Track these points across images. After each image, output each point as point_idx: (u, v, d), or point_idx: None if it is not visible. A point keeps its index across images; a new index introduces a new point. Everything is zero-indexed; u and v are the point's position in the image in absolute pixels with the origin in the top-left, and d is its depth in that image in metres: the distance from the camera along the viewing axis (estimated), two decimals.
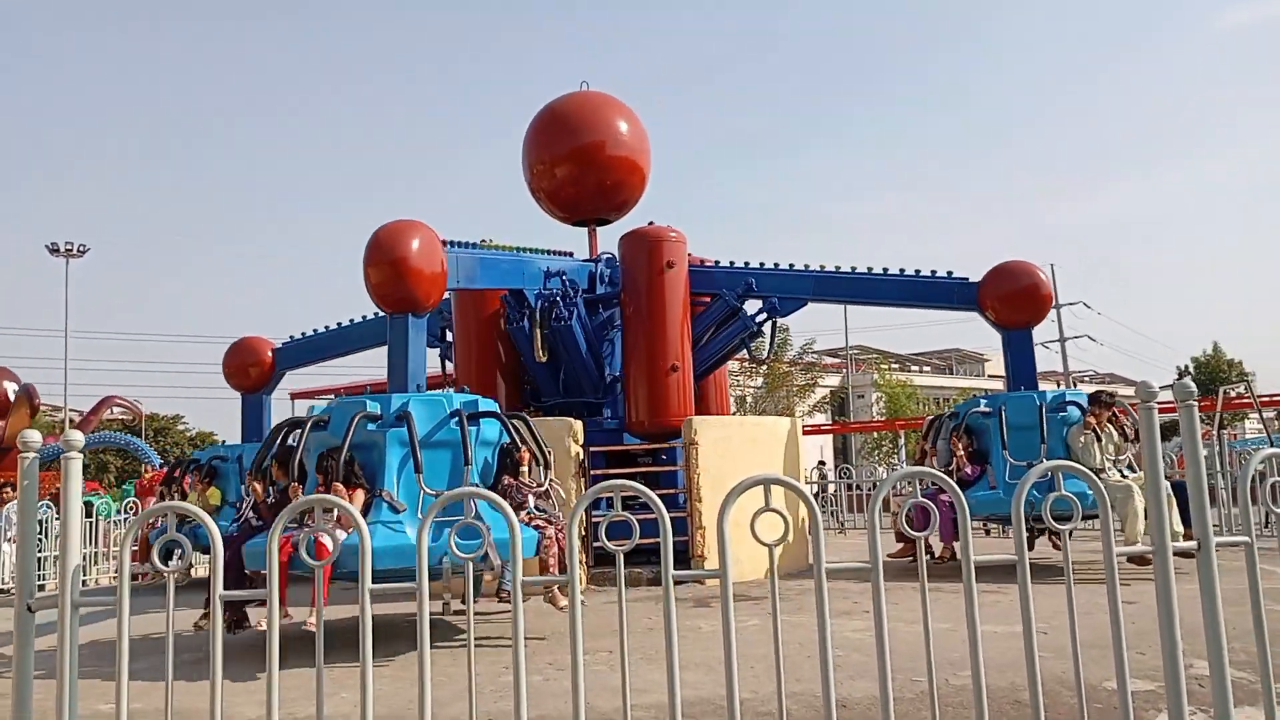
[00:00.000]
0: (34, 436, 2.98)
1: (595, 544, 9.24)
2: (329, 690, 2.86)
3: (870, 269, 11.32)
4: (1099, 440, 8.90)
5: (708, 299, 11.55)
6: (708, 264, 11.69)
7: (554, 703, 4.68)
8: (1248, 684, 4.52)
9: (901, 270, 11.17)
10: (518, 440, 7.22)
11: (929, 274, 11.01)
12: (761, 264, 11.59)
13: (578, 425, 9.71)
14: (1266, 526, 11.50)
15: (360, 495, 6.40)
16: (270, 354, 12.31)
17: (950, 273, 10.91)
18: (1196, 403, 3.14)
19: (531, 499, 7.04)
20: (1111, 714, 4.24)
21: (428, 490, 6.49)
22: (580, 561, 8.65)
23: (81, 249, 37.77)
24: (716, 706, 4.51)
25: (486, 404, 7.32)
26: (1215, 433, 15.06)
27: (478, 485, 6.69)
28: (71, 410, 36.78)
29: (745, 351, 12.19)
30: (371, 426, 6.73)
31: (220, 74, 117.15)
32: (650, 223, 11.14)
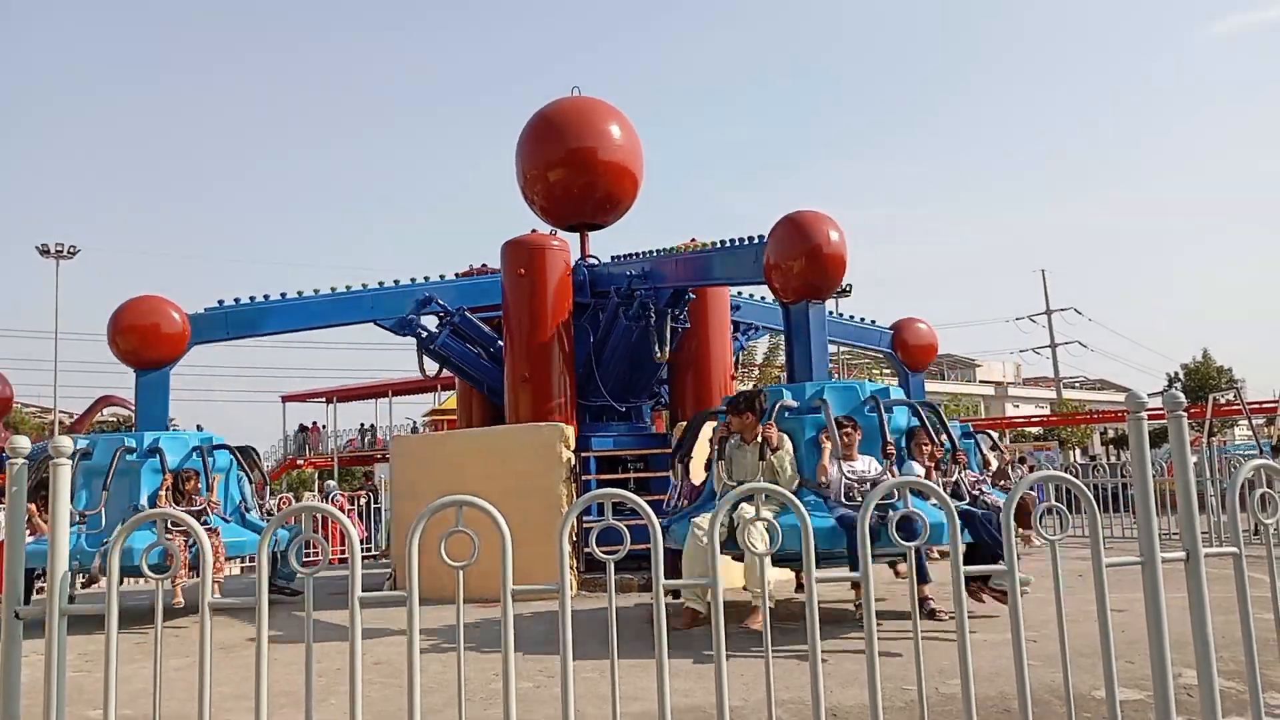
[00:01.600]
0: (23, 442, 2.97)
1: (586, 550, 9.23)
2: (317, 697, 2.85)
3: (671, 248, 10.65)
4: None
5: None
6: (592, 261, 11.68)
7: (544, 710, 4.67)
8: (1236, 693, 4.53)
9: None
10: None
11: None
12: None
13: (569, 430, 9.71)
14: (1255, 534, 11.54)
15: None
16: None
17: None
18: (1185, 413, 3.15)
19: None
20: None
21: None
22: (570, 568, 8.64)
23: (72, 250, 37.66)
24: (707, 714, 4.50)
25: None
26: (1205, 440, 15.12)
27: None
28: (61, 412, 36.65)
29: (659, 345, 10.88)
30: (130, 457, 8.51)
31: (210, 77, 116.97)
32: (533, 230, 11.12)
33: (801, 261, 7.81)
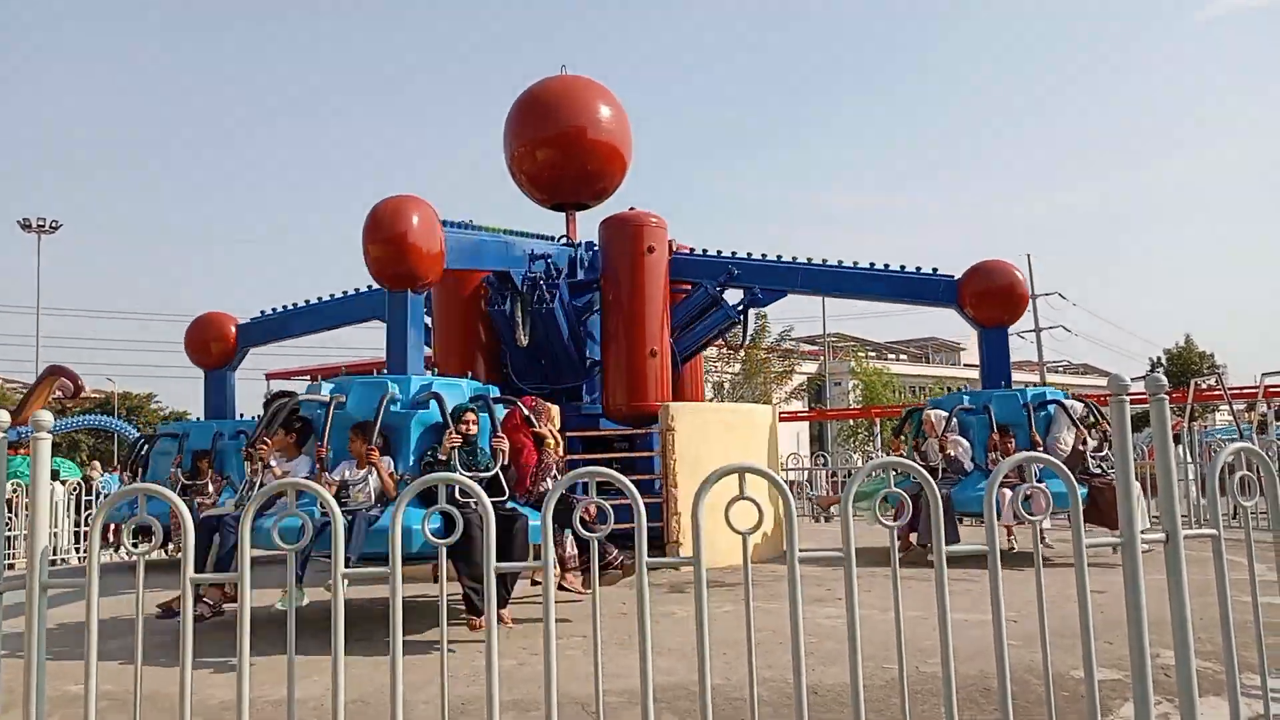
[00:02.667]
0: (3, 417, 2.95)
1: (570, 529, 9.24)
2: (300, 673, 2.85)
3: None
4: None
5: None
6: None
7: (526, 687, 4.68)
8: (1213, 674, 4.59)
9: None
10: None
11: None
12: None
13: (554, 410, 9.69)
14: (1234, 518, 11.65)
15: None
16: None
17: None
18: (1167, 396, 3.17)
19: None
20: (1078, 702, 4.29)
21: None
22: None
23: (54, 225, 37.36)
24: (689, 692, 4.53)
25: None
26: (1186, 425, 15.23)
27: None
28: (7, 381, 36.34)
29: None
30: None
31: (197, 50, 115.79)
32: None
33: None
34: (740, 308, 11.62)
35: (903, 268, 11.35)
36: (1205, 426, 28.31)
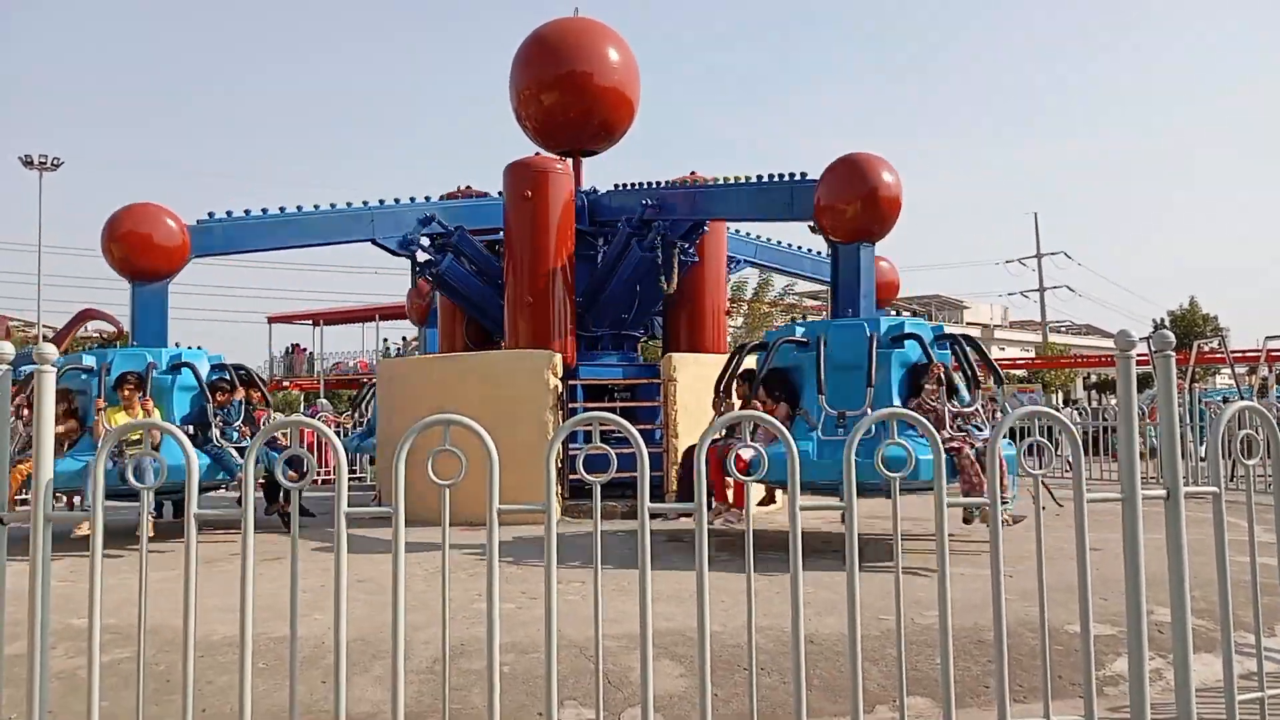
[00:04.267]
0: (6, 349, 2.95)
1: (572, 476, 9.30)
2: (301, 612, 2.87)
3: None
4: None
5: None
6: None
7: (525, 630, 4.73)
8: (1206, 631, 4.63)
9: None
10: (951, 360, 7.60)
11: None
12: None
13: (557, 358, 9.70)
14: (1232, 480, 11.70)
15: (783, 409, 7.33)
16: (179, 230, 9.29)
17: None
18: (1173, 354, 3.16)
19: (949, 418, 7.27)
20: (1072, 656, 4.33)
21: (829, 410, 7.11)
22: (556, 493, 8.69)
23: (56, 162, 37.10)
24: (686, 638, 4.57)
25: (917, 326, 7.59)
26: (1188, 386, 15.24)
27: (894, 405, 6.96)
28: (46, 326, 36.44)
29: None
30: (795, 351, 7.52)
31: None
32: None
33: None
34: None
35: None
36: (1204, 389, 28.34)
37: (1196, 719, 2.98)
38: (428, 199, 11.16)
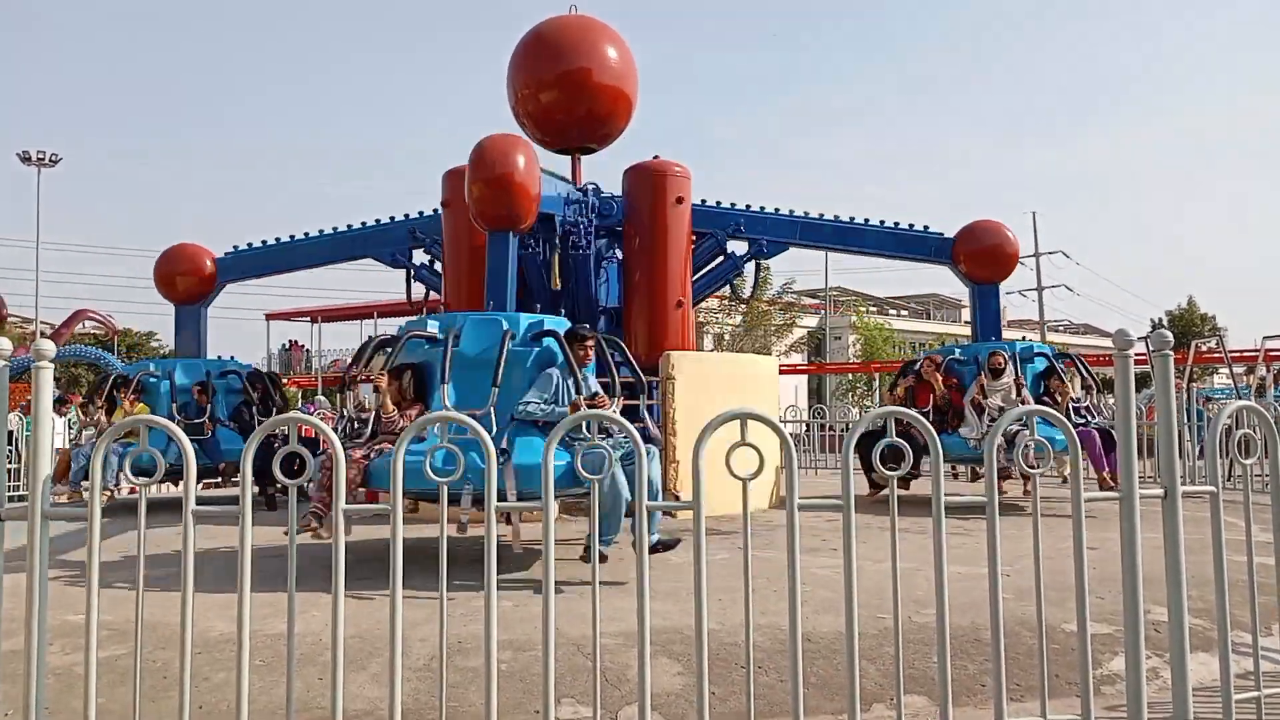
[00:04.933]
0: (5, 345, 2.94)
1: None
2: (298, 609, 2.87)
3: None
4: None
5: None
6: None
7: (523, 628, 4.73)
8: (1203, 630, 4.63)
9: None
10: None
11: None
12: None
13: None
14: (1230, 479, 11.71)
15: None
16: (210, 264, 11.91)
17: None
18: (1171, 353, 3.16)
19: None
20: (1069, 655, 4.34)
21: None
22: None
23: (54, 158, 37.06)
24: (683, 636, 4.57)
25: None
26: (1185, 386, 15.26)
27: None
28: (43, 323, 36.42)
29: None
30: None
31: None
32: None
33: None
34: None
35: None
36: (1201, 388, 28.37)
37: (1193, 718, 2.99)
38: (420, 214, 12.01)
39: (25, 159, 36.59)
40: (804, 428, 18.53)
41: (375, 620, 4.78)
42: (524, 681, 4.13)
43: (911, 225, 11.70)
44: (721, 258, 11.81)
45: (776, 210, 11.80)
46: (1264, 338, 21.51)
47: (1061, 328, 62.75)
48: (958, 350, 10.82)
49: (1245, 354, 25.60)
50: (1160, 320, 51.93)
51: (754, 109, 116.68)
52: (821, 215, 11.87)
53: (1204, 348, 28.49)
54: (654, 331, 10.62)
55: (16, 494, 10.76)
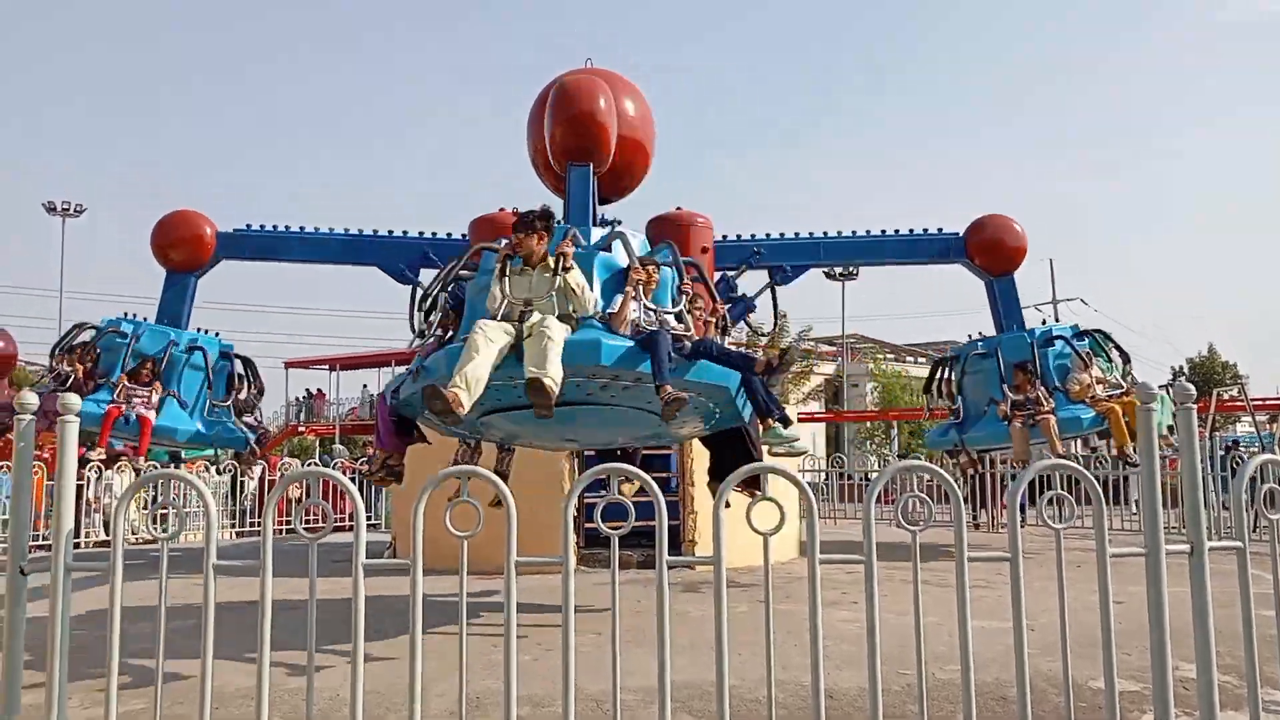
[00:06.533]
0: (30, 399, 2.98)
1: (587, 525, 9.26)
2: (317, 663, 2.86)
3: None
4: None
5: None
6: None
7: (541, 683, 4.69)
8: (1233, 688, 4.54)
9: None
10: None
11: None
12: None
13: None
14: (1255, 530, 11.55)
15: None
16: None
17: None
18: (1195, 406, 3.14)
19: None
20: (1096, 713, 4.26)
21: None
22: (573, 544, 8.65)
23: (79, 208, 37.63)
24: (703, 691, 4.52)
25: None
26: (1208, 434, 15.11)
27: None
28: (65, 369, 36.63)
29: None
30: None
31: (219, 33, 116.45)
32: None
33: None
34: (760, 292, 11.58)
35: (911, 230, 11.95)
36: (1223, 435, 28.07)
37: None
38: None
39: (50, 209, 37.16)
40: (822, 476, 18.43)
41: (395, 674, 4.76)
42: None
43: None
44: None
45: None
46: None
47: None
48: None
49: (1268, 401, 25.37)
50: (1181, 369, 51.53)
51: (762, 154, 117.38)
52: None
53: (1226, 396, 28.25)
54: None
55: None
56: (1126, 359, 10.83)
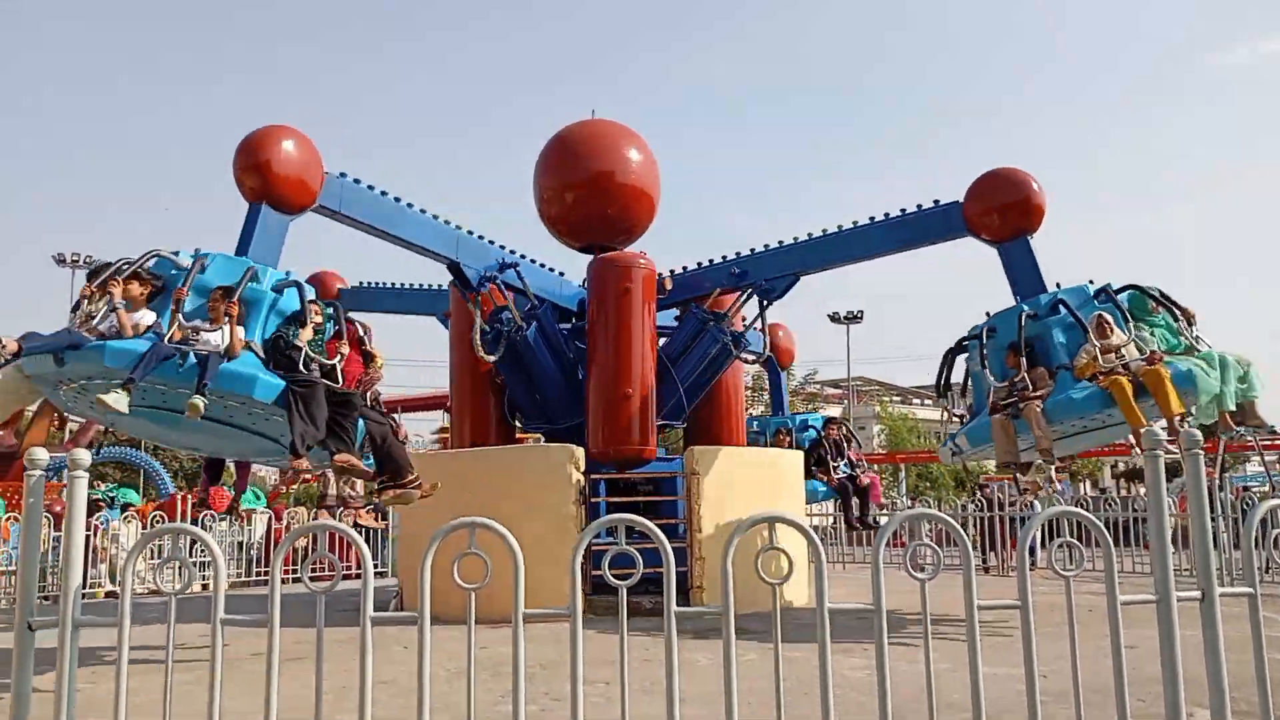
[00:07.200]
0: (41, 455, 2.99)
1: (594, 572, 9.20)
2: (324, 715, 2.85)
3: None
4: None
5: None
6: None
7: None
8: None
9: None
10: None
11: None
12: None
13: (579, 452, 9.70)
14: (1267, 572, 11.45)
15: None
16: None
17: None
18: (1202, 451, 3.14)
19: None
20: None
21: None
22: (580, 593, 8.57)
23: (88, 260, 37.88)
24: None
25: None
26: (1217, 475, 15.01)
27: None
28: (73, 421, 36.72)
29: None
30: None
31: (228, 85, 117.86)
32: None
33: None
34: (756, 319, 11.22)
35: (904, 210, 10.12)
36: (1232, 475, 27.88)
37: None
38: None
39: (60, 261, 37.45)
40: (830, 521, 18.32)
41: None
42: None
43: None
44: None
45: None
46: None
47: None
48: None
49: (1277, 441, 25.22)
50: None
51: (768, 202, 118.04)
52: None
53: (1234, 437, 28.07)
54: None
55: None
56: (1190, 319, 8.43)
